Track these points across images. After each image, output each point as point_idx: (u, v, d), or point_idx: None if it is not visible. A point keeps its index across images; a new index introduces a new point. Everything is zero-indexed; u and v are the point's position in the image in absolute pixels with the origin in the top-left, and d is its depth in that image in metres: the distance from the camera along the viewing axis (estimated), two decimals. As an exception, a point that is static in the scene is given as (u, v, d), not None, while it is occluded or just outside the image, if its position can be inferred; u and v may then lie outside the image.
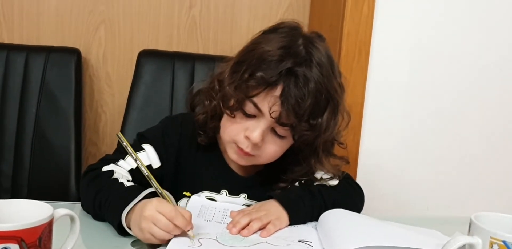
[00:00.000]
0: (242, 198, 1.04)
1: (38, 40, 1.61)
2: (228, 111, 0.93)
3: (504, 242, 0.66)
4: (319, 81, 0.89)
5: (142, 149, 1.01)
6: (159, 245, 0.81)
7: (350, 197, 1.04)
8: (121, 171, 0.96)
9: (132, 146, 0.99)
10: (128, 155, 0.97)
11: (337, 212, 0.95)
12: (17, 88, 1.46)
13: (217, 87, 0.97)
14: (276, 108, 0.88)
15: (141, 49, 1.49)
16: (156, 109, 1.40)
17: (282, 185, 1.02)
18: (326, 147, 0.99)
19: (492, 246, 0.67)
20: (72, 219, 0.71)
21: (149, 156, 1.00)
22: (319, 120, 0.91)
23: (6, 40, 1.60)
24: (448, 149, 1.47)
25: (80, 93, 1.51)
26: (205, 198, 1.02)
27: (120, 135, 0.89)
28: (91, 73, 1.64)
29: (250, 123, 0.92)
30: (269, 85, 0.88)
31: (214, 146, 1.04)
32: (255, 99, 0.90)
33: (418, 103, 1.44)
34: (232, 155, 0.97)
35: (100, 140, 1.69)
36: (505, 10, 1.41)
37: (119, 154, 0.99)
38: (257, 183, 1.04)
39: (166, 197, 0.85)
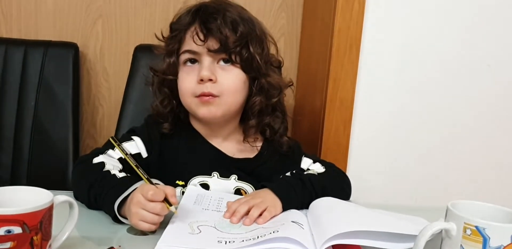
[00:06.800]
0: (233, 180, 1.08)
1: (36, 34, 1.62)
2: (173, 76, 1.04)
3: (476, 227, 0.70)
4: (227, 3, 1.05)
5: (131, 139, 1.06)
6: (154, 231, 0.83)
7: (338, 183, 1.10)
8: (111, 161, 0.99)
9: (122, 138, 1.06)
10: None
11: (326, 200, 0.98)
12: (15, 82, 1.47)
13: (152, 73, 1.09)
14: (201, 36, 1.00)
15: (137, 43, 1.52)
16: (152, 102, 1.42)
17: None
18: (266, 66, 1.07)
19: (465, 231, 0.71)
20: (70, 205, 0.74)
21: (137, 146, 1.06)
22: (242, 28, 1.01)
23: (5, 34, 1.61)
24: (437, 142, 1.49)
25: (77, 87, 1.52)
26: (201, 188, 1.05)
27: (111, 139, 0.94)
28: (88, 67, 1.66)
29: (195, 69, 1.02)
30: (187, 26, 1.02)
31: (196, 133, 1.10)
32: (184, 46, 1.03)
33: (408, 97, 1.45)
34: (201, 110, 1.03)
35: (98, 133, 1.71)
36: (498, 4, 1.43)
37: (109, 145, 1.03)
38: (245, 164, 1.09)
39: (152, 182, 0.86)
